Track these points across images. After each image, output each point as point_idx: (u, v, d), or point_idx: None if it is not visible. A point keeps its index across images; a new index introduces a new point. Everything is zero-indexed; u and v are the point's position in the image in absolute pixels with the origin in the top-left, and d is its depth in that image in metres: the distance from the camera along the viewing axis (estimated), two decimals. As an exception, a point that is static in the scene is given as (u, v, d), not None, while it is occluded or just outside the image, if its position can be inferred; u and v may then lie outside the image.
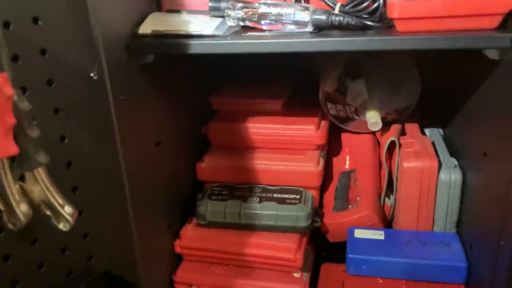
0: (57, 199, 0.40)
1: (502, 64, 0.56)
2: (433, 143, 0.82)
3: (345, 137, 0.95)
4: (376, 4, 0.60)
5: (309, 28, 0.60)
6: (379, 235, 0.76)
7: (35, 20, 0.44)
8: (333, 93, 0.87)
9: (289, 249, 0.75)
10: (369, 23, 0.59)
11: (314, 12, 0.59)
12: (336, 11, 0.62)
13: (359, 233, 0.76)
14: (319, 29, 0.60)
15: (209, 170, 0.85)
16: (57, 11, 0.46)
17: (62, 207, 0.40)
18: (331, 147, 0.95)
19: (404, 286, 0.70)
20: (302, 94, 0.95)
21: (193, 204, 0.81)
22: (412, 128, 0.86)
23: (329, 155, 0.94)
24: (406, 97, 0.86)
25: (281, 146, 0.85)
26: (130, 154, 0.62)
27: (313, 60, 0.97)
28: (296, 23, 0.60)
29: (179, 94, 0.79)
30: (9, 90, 0.35)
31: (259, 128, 0.85)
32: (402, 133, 0.86)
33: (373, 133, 0.92)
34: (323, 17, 0.59)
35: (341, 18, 0.58)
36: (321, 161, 0.84)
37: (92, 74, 0.51)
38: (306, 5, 0.61)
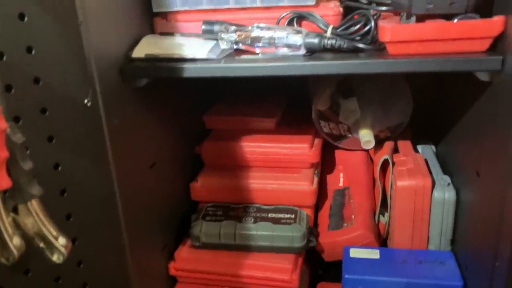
0: (50, 231, 0.40)
1: (493, 86, 0.56)
2: (425, 160, 0.82)
3: (338, 154, 0.96)
4: (367, 27, 0.60)
5: (302, 51, 0.60)
6: (374, 254, 0.76)
7: (29, 49, 0.44)
8: (326, 111, 0.87)
9: (284, 270, 0.74)
10: (361, 45, 0.60)
11: (306, 35, 0.60)
12: (328, 34, 0.62)
13: (354, 253, 0.76)
14: (312, 52, 0.61)
15: (203, 190, 0.85)
16: (51, 39, 0.46)
17: (56, 238, 0.40)
18: (325, 165, 0.96)
19: (401, 306, 0.70)
20: (295, 112, 0.95)
21: (187, 224, 0.81)
22: (404, 145, 0.87)
23: (322, 173, 0.94)
24: (399, 115, 0.87)
25: (275, 164, 0.85)
26: (124, 177, 0.62)
27: (305, 78, 0.98)
28: (289, 46, 0.60)
29: (173, 116, 0.79)
30: (2, 124, 0.34)
31: (252, 147, 0.85)
32: (395, 150, 0.86)
33: (366, 150, 0.92)
34: (316, 40, 0.59)
35: (333, 42, 0.59)
36: (315, 180, 0.84)
37: (85, 101, 0.51)
38: (298, 28, 0.62)
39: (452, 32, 0.53)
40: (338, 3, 0.67)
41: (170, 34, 0.68)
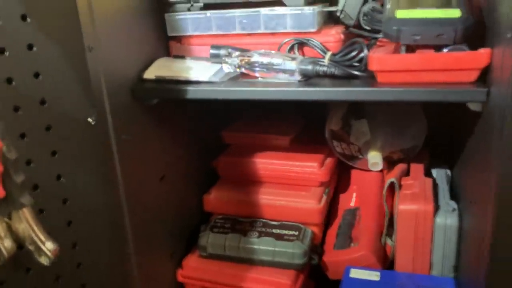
0: (39, 236, 0.45)
1: (482, 116, 0.56)
2: (436, 185, 0.82)
3: (354, 174, 0.97)
4: (362, 55, 0.62)
5: (297, 77, 0.63)
6: (374, 276, 0.76)
7: (36, 75, 0.50)
8: (339, 131, 0.89)
9: (284, 285, 0.77)
10: (356, 72, 0.62)
11: (301, 62, 0.62)
12: (326, 60, 0.64)
13: (355, 273, 0.77)
14: (307, 77, 0.63)
15: (216, 202, 0.89)
16: (57, 66, 0.52)
17: (44, 243, 0.45)
18: (340, 184, 0.97)
19: (394, 331, 0.70)
20: (312, 131, 0.97)
21: (198, 234, 0.85)
22: (416, 168, 0.86)
23: (337, 191, 0.95)
24: (412, 138, 0.87)
25: (286, 181, 0.87)
26: (132, 188, 0.67)
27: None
28: (285, 71, 0.63)
29: (185, 131, 0.84)
30: (-3, 142, 0.40)
31: (266, 164, 0.88)
32: (407, 173, 0.86)
33: (381, 171, 0.93)
34: (309, 67, 0.62)
35: (325, 69, 0.61)
36: (324, 198, 0.85)
37: (89, 120, 0.56)
38: (294, 55, 0.65)
39: (439, 63, 0.54)
40: (340, 30, 0.69)
41: (182, 57, 0.73)
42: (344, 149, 0.90)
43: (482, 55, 0.52)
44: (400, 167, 0.87)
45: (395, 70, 0.56)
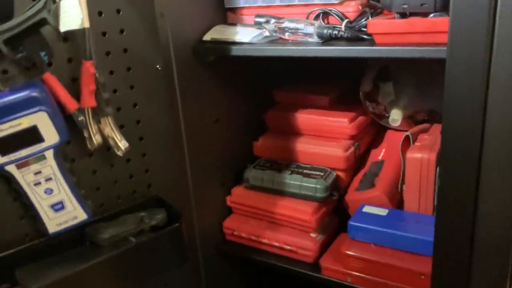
0: (117, 136, 0.69)
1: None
2: (450, 142, 0.93)
3: (388, 133, 1.10)
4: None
5: (315, 39, 0.79)
6: (382, 212, 0.90)
7: (122, 31, 0.73)
8: (370, 92, 1.03)
9: (306, 212, 0.95)
10: (362, 36, 0.76)
11: (318, 27, 0.79)
12: (343, 26, 0.80)
13: (367, 209, 0.92)
14: (324, 39, 0.79)
15: (262, 148, 1.08)
16: (136, 25, 0.75)
17: (120, 141, 0.69)
18: (375, 141, 1.11)
19: (389, 252, 0.84)
20: (352, 94, 1.11)
21: (245, 170, 1.06)
22: (437, 128, 0.98)
23: (370, 148, 1.09)
24: (435, 100, 0.98)
25: (322, 134, 1.04)
26: (189, 122, 0.89)
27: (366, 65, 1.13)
28: (306, 34, 0.80)
29: (238, 87, 1.03)
30: (93, 70, 0.64)
31: (306, 119, 1.05)
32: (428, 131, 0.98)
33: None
34: (324, 30, 0.78)
35: (336, 32, 0.77)
36: (351, 149, 1.00)
37: (157, 66, 0.79)
38: (313, 21, 0.81)
39: (418, 27, 0.67)
40: (359, 2, 0.83)
41: (234, 24, 0.93)
42: (374, 109, 1.04)
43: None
44: (422, 126, 0.99)
45: (386, 33, 0.70)
